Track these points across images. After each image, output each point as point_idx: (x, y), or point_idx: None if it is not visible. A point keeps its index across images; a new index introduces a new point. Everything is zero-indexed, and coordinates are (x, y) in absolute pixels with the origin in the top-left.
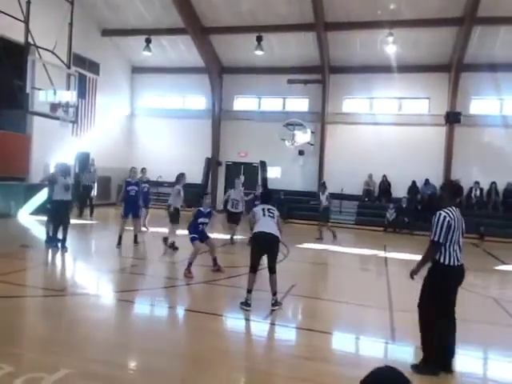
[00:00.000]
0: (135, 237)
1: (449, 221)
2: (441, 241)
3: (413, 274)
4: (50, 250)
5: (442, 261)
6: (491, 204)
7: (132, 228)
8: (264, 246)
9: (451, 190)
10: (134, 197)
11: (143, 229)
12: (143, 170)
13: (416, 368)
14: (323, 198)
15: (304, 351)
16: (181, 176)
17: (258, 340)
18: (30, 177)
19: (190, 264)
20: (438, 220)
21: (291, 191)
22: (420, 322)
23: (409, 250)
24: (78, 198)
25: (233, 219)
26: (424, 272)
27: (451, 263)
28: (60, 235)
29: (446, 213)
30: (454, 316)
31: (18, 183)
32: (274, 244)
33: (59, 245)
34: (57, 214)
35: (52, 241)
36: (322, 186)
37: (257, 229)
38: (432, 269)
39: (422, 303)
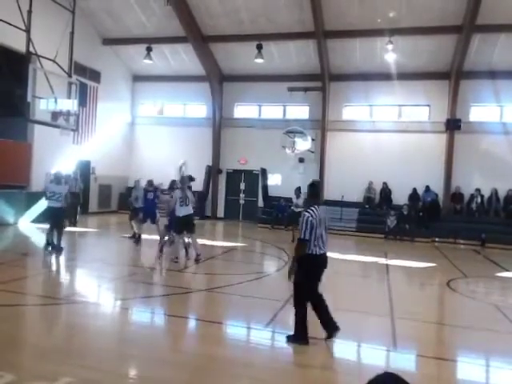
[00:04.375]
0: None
1: (311, 220)
2: (307, 238)
3: (290, 273)
4: (49, 257)
5: (308, 252)
6: (492, 211)
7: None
8: None
9: (310, 191)
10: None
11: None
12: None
13: (290, 338)
14: (299, 201)
15: (305, 359)
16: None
17: (259, 348)
18: (31, 185)
19: None
20: (303, 221)
21: (291, 198)
22: (294, 301)
23: (410, 257)
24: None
25: None
26: None
27: (315, 253)
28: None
29: (309, 213)
30: (320, 293)
31: (19, 191)
32: None
33: (49, 248)
34: (49, 220)
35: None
36: (297, 190)
37: None
38: (301, 260)
39: (296, 288)
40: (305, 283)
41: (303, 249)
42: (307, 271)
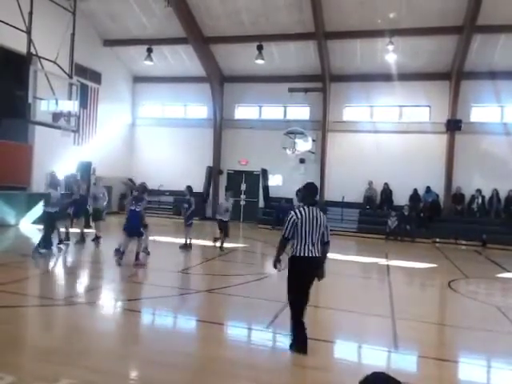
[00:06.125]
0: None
1: (294, 219)
2: (286, 236)
3: (274, 264)
4: (50, 258)
5: (293, 253)
6: (493, 211)
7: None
8: None
9: (305, 191)
10: None
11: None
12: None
13: (290, 347)
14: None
15: (306, 360)
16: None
17: (261, 349)
18: (32, 186)
19: None
20: (287, 219)
21: (292, 199)
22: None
23: (411, 257)
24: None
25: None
26: None
27: (299, 254)
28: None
29: (295, 212)
30: (306, 301)
31: (20, 192)
32: None
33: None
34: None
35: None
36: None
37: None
38: (288, 260)
39: (288, 290)
40: (289, 284)
41: (281, 245)
42: (290, 272)
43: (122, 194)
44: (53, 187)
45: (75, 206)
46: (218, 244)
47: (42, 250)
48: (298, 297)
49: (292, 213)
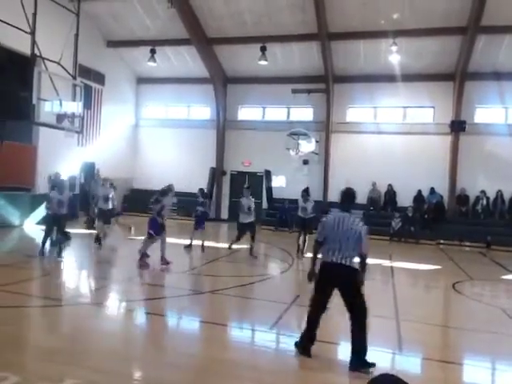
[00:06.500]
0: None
1: (323, 222)
2: (319, 240)
3: (309, 277)
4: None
5: (320, 257)
6: (497, 213)
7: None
8: None
9: (340, 196)
10: None
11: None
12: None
13: (295, 344)
14: (308, 206)
15: (310, 362)
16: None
17: (265, 350)
18: (36, 187)
19: None
20: (320, 222)
21: (296, 200)
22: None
23: (415, 259)
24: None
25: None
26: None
27: (324, 259)
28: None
29: (327, 216)
30: (356, 312)
31: (24, 193)
32: None
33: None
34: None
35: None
36: (305, 192)
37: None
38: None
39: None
40: (315, 284)
41: (314, 249)
42: (317, 277)
43: (125, 196)
44: (55, 188)
45: None
46: (250, 248)
47: (47, 250)
48: (316, 298)
49: (325, 216)
